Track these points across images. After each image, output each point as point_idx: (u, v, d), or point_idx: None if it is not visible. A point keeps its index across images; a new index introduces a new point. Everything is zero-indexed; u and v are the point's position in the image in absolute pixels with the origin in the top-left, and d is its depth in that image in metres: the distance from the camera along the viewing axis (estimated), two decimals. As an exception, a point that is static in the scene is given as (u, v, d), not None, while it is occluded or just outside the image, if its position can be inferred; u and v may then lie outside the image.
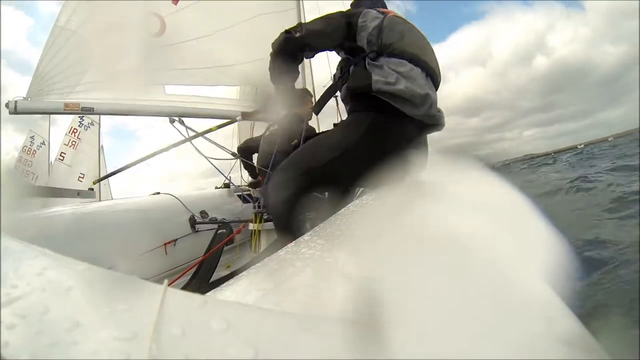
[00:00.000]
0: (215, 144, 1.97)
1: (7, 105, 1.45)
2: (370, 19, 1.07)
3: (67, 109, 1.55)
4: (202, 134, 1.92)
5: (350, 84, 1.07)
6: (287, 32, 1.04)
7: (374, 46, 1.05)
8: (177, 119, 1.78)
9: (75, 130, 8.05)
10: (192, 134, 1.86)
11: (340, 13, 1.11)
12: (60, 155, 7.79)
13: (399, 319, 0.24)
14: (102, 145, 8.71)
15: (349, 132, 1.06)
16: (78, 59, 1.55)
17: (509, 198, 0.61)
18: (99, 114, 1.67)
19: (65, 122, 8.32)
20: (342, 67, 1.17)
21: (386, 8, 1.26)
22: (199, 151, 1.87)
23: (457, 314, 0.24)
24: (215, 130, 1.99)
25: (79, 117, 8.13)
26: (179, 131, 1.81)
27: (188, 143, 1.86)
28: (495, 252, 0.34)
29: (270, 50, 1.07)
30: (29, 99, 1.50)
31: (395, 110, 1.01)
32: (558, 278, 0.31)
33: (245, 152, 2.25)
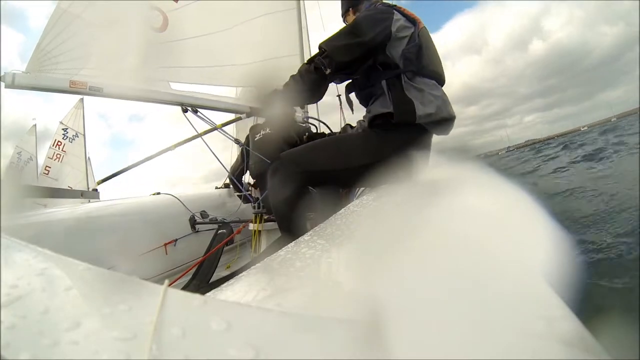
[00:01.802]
0: (229, 136, 1.96)
1: (2, 77, 1.31)
2: (400, 27, 1.02)
3: (73, 88, 1.42)
4: (222, 125, 1.88)
5: (398, 118, 1.01)
6: (316, 68, 0.99)
7: (413, 66, 1.01)
8: (189, 108, 1.72)
9: (59, 143, 7.89)
10: (204, 125, 1.82)
11: (363, 25, 1.02)
12: (45, 169, 7.59)
13: (398, 319, 0.24)
14: (88, 157, 8.64)
15: (377, 149, 1.04)
16: (81, 43, 1.48)
17: (509, 196, 0.61)
18: (108, 96, 1.52)
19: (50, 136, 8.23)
20: (370, 76, 1.10)
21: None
22: (208, 146, 1.86)
23: (456, 314, 0.24)
24: (224, 125, 1.96)
25: (63, 129, 8.01)
26: (190, 122, 1.77)
27: (195, 137, 1.82)
28: (495, 252, 0.34)
29: (295, 78, 1.03)
30: (28, 73, 1.37)
31: (425, 130, 1.04)
32: (558, 278, 0.31)
33: (239, 175, 2.23)
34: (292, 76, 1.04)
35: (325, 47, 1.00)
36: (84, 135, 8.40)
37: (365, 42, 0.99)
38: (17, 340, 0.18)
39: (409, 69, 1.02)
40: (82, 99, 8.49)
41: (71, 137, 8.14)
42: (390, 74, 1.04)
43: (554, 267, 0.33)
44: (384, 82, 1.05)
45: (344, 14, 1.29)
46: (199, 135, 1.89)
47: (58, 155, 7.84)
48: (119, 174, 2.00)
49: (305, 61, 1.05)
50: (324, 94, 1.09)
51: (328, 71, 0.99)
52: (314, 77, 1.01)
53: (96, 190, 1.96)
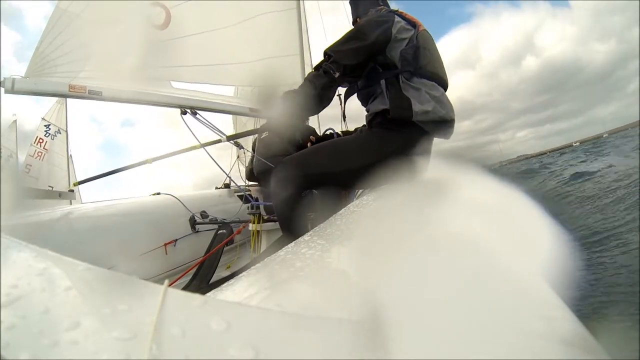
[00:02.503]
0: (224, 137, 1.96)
1: (2, 83, 1.32)
2: (400, 29, 1.05)
3: (73, 91, 1.42)
4: (231, 137, 1.88)
5: (394, 113, 1.03)
6: (325, 72, 1.01)
7: (410, 66, 1.03)
8: (188, 110, 1.72)
9: (41, 141, 7.64)
10: (203, 127, 1.82)
11: (365, 29, 1.05)
12: (26, 167, 7.31)
13: (398, 319, 0.24)
14: (70, 155, 8.37)
15: (377, 149, 1.05)
16: (80, 44, 1.48)
17: (508, 198, 0.61)
18: (108, 100, 1.52)
19: (34, 133, 7.94)
20: (369, 77, 1.12)
21: (388, 6, 1.26)
22: (208, 153, 1.86)
23: (456, 314, 0.24)
24: (234, 138, 1.96)
25: (45, 126, 7.76)
26: (187, 126, 1.75)
27: (193, 138, 1.81)
28: (495, 252, 0.34)
29: (304, 84, 1.04)
30: (27, 78, 1.38)
31: (424, 132, 1.05)
32: (558, 278, 0.31)
33: (252, 174, 2.24)
34: (302, 84, 1.06)
35: (331, 53, 1.03)
36: (67, 131, 8.18)
37: (368, 45, 1.03)
38: (17, 340, 0.18)
39: (407, 69, 1.04)
40: (64, 95, 8.26)
41: (53, 133, 7.89)
42: (389, 74, 1.06)
43: (554, 267, 0.33)
44: (382, 82, 1.07)
45: (354, 22, 1.32)
46: (206, 144, 1.89)
47: (39, 153, 7.56)
48: (99, 177, 2.00)
49: (312, 68, 1.08)
50: (332, 98, 1.11)
51: (337, 74, 1.01)
52: (323, 81, 1.02)
53: (72, 191, 1.98)
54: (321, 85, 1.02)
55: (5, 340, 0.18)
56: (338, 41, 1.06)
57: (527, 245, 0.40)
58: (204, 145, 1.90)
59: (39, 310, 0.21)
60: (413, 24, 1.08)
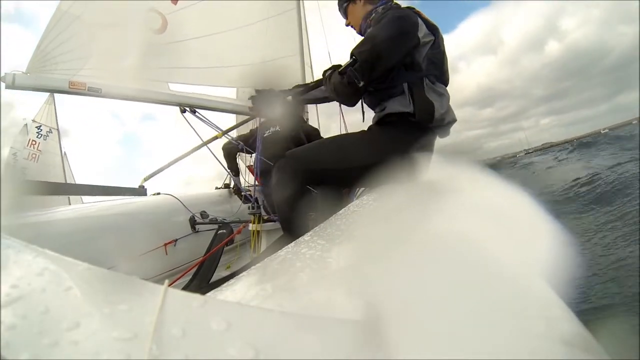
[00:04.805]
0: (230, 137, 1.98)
1: (3, 78, 1.34)
2: (423, 32, 1.02)
3: (73, 88, 1.44)
4: (225, 132, 1.91)
5: (419, 116, 1.00)
6: (349, 82, 0.96)
7: (436, 70, 1.03)
8: (187, 109, 1.74)
9: (34, 143, 7.72)
10: (204, 126, 1.85)
11: (406, 27, 0.99)
12: (22, 171, 7.31)
13: (398, 319, 0.24)
14: (64, 153, 8.43)
15: (381, 148, 1.03)
16: (80, 43, 1.49)
17: (509, 197, 0.61)
18: (107, 97, 1.54)
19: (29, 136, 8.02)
20: (389, 76, 1.06)
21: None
22: (210, 151, 1.87)
23: (456, 314, 0.24)
24: (229, 130, 1.98)
25: (36, 127, 7.84)
26: (188, 122, 1.78)
27: (196, 137, 1.83)
28: (495, 252, 0.34)
29: (328, 90, 1.04)
30: (28, 74, 1.39)
31: (430, 131, 1.05)
32: (558, 278, 0.31)
33: (231, 152, 2.23)
34: (326, 86, 1.04)
35: (357, 55, 0.95)
36: (58, 129, 8.26)
37: (412, 45, 1.00)
38: (17, 340, 0.18)
39: (432, 73, 1.03)
40: (52, 94, 8.34)
41: (45, 134, 7.97)
42: (414, 76, 1.03)
43: (554, 267, 0.33)
44: (405, 83, 1.03)
45: (349, 2, 1.22)
46: (205, 143, 1.91)
47: (34, 155, 7.63)
48: (166, 167, 2.05)
49: (338, 70, 1.01)
50: (357, 102, 1.10)
51: (361, 84, 0.96)
52: (347, 91, 1.00)
53: (143, 187, 1.94)
54: (345, 95, 1.03)
55: (5, 340, 0.18)
56: (365, 41, 0.98)
57: (527, 244, 0.40)
58: (205, 143, 1.91)
59: (39, 310, 0.21)
60: (432, 27, 1.06)
